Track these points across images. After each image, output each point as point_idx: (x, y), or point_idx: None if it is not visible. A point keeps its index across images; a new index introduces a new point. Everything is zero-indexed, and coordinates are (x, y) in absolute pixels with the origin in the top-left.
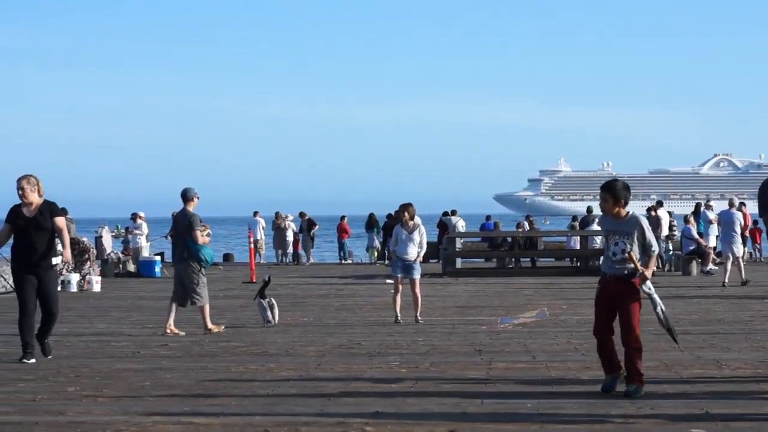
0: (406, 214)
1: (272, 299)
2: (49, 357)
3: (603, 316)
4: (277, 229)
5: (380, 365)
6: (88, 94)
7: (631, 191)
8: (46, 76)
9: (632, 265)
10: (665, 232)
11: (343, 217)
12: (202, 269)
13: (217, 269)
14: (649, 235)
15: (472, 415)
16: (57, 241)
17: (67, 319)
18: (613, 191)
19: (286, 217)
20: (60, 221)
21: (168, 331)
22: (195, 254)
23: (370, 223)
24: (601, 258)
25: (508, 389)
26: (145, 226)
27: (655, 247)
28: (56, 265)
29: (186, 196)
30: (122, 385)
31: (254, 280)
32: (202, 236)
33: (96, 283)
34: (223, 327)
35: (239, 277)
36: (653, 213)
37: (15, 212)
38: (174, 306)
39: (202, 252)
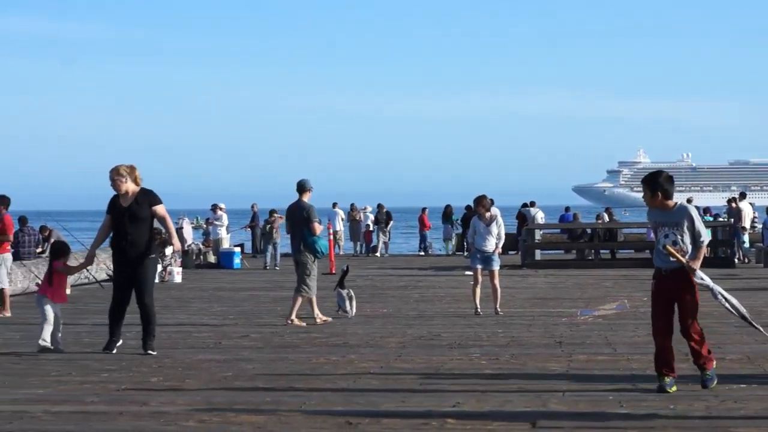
0: (481, 207)
1: (351, 291)
2: (152, 353)
3: (662, 313)
4: (353, 221)
5: (460, 357)
6: (177, 89)
7: (712, 182)
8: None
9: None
10: (747, 224)
11: (424, 209)
12: (316, 261)
13: None
14: (699, 224)
15: (554, 408)
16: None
17: None
18: (648, 182)
19: (365, 209)
20: (160, 210)
21: (318, 321)
22: (311, 245)
23: (447, 214)
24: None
25: (589, 382)
26: (225, 217)
27: (705, 237)
28: (158, 256)
29: (303, 187)
30: (204, 376)
31: (333, 272)
32: (320, 227)
33: (177, 274)
34: (305, 324)
35: (318, 268)
36: (734, 205)
37: (112, 202)
38: (313, 297)
39: (318, 243)
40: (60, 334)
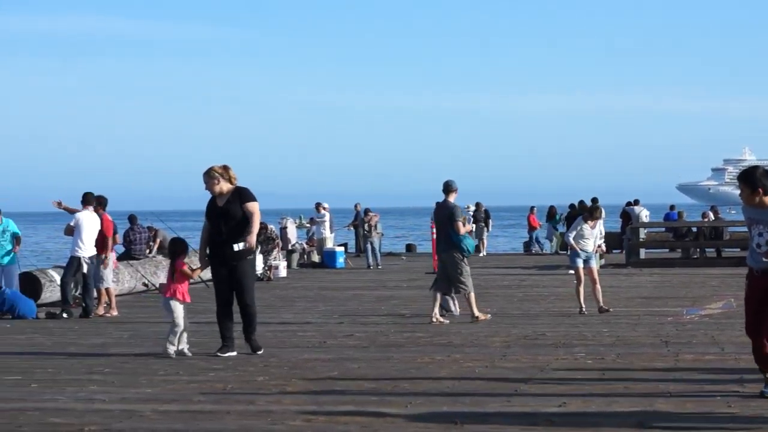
0: (594, 217)
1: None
2: (259, 352)
3: (752, 314)
4: None
5: (566, 356)
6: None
7: None
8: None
9: None
10: None
11: (532, 208)
12: (465, 258)
13: (400, 259)
14: None
15: (661, 408)
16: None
17: None
18: (746, 179)
19: (467, 207)
20: (251, 206)
21: (434, 319)
22: (457, 244)
23: (551, 214)
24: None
25: (696, 381)
26: (328, 216)
27: None
28: (240, 251)
29: (449, 187)
30: (310, 375)
31: (437, 270)
32: (464, 227)
33: (282, 269)
34: (489, 315)
35: (422, 267)
36: None
37: (209, 204)
38: (438, 295)
39: (463, 242)
40: (186, 339)
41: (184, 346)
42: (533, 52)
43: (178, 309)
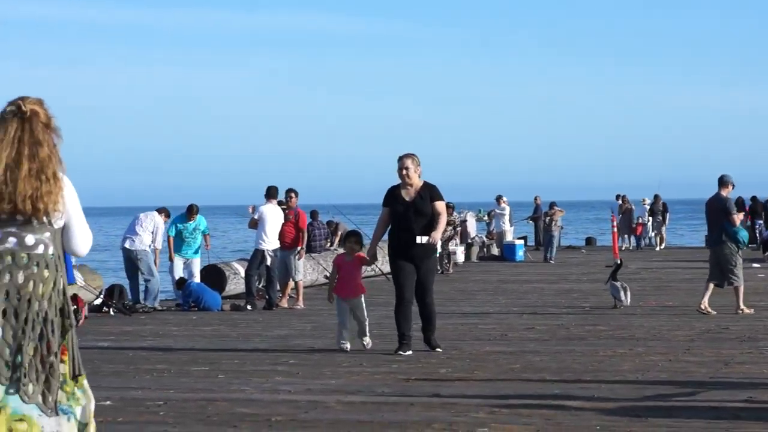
0: None
1: (624, 283)
2: (438, 350)
3: None
4: (624, 212)
5: (750, 350)
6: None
7: None
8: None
9: None
10: None
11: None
12: (739, 251)
13: (580, 252)
14: None
15: None
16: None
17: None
18: None
19: (643, 201)
20: (440, 206)
21: (702, 307)
22: (732, 237)
23: (737, 205)
24: None
25: None
26: (508, 209)
27: None
28: (427, 247)
29: (722, 181)
30: (492, 367)
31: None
32: (738, 219)
33: (461, 253)
34: (752, 310)
35: (601, 260)
36: None
37: (392, 195)
38: (710, 285)
39: (739, 234)
40: (365, 334)
41: (358, 340)
42: (689, 48)
43: (342, 304)
